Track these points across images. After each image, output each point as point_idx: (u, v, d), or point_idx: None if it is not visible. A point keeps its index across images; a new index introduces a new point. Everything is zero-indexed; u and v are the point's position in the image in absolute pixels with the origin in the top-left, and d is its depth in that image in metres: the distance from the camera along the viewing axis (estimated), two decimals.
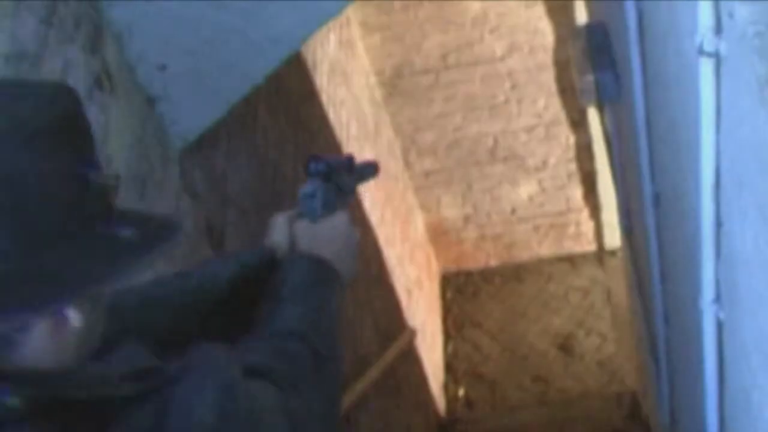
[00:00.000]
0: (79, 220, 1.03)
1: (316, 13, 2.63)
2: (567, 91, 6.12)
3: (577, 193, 6.68)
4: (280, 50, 2.64)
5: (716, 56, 1.18)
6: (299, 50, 3.77)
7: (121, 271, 1.05)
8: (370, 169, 1.74)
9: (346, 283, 1.54)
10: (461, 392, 5.89)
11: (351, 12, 5.75)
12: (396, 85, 6.30)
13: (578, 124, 6.36)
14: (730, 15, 1.07)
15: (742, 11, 1.02)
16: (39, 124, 1.01)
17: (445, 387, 6.12)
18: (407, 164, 6.64)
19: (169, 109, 2.74)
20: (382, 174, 1.45)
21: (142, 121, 2.67)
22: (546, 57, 6.18)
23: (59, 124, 1.03)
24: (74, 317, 1.03)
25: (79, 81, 2.32)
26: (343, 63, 5.22)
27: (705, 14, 1.16)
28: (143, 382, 1.08)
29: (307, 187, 1.59)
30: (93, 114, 2.37)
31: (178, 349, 1.17)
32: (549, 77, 6.23)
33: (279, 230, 1.58)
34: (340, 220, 1.60)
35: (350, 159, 1.68)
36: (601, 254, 6.60)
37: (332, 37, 4.98)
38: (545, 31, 6.08)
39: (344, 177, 1.65)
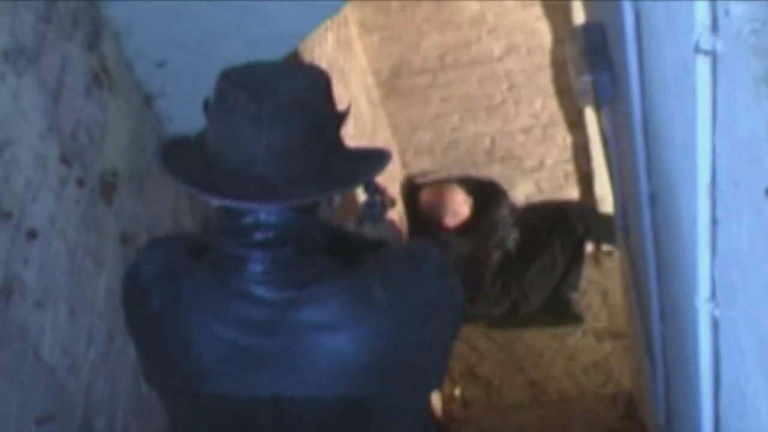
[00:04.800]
0: (340, 141, 1.64)
1: (315, 11, 2.63)
2: (564, 92, 6.12)
3: (574, 193, 6.68)
4: (279, 48, 2.64)
5: (712, 54, 1.19)
6: (297, 49, 3.77)
7: (371, 173, 1.66)
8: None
9: None
10: (457, 392, 5.89)
11: (349, 12, 5.75)
12: (393, 85, 6.30)
13: (575, 124, 6.36)
14: (726, 13, 1.07)
15: (738, 9, 1.03)
16: (324, 85, 1.60)
17: (441, 387, 6.13)
18: (404, 164, 6.64)
19: (167, 106, 2.75)
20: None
21: (140, 118, 2.67)
22: (543, 58, 6.18)
23: (329, 86, 1.62)
24: (337, 199, 1.67)
25: (77, 78, 2.32)
26: (341, 62, 5.22)
27: (701, 12, 1.16)
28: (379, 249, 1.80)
29: (368, 200, 2.22)
30: (91, 111, 2.37)
31: None
32: (546, 78, 6.23)
33: None
34: (390, 222, 2.32)
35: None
36: (598, 254, 6.60)
37: (330, 37, 4.98)
38: (543, 32, 6.08)
39: (381, 193, 2.26)
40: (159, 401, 1.83)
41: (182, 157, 1.60)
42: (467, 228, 6.19)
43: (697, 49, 1.20)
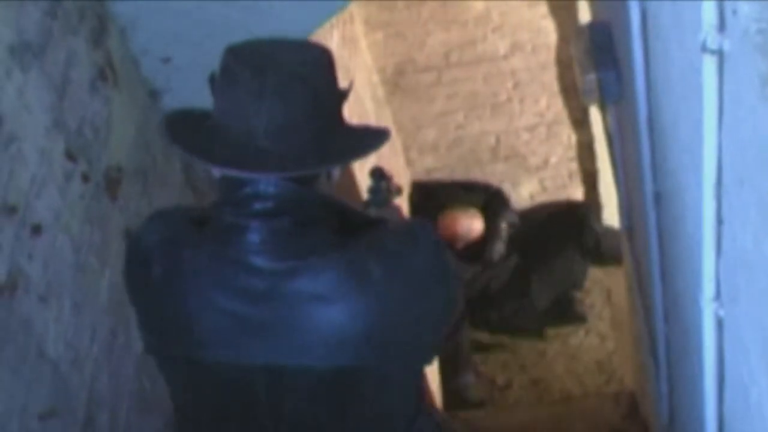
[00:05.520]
0: (341, 118, 1.70)
1: (320, 9, 2.63)
2: (569, 91, 6.12)
3: (578, 192, 6.68)
4: None
5: (719, 53, 1.19)
6: None
7: (369, 149, 1.70)
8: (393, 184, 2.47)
9: None
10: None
11: (354, 9, 5.75)
12: (398, 82, 6.30)
13: (580, 123, 6.36)
14: (734, 12, 1.07)
15: (746, 8, 1.03)
16: (327, 62, 1.68)
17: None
18: (409, 162, 6.64)
19: (173, 102, 2.75)
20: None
21: (145, 114, 2.67)
22: (549, 56, 6.18)
23: (332, 63, 1.69)
24: (336, 173, 1.73)
25: (82, 73, 2.32)
26: (346, 60, 5.22)
27: (708, 12, 1.16)
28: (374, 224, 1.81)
29: (374, 185, 2.30)
30: (96, 107, 2.37)
31: None
32: (551, 76, 6.23)
33: None
34: (395, 206, 2.49)
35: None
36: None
37: (335, 34, 4.98)
38: (548, 30, 6.08)
39: (387, 180, 2.34)
40: (159, 371, 1.85)
41: (186, 128, 1.65)
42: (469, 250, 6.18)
43: (704, 49, 1.20)
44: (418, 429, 1.88)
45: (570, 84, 5.99)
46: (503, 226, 6.22)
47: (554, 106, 6.37)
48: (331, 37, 4.84)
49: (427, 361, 1.82)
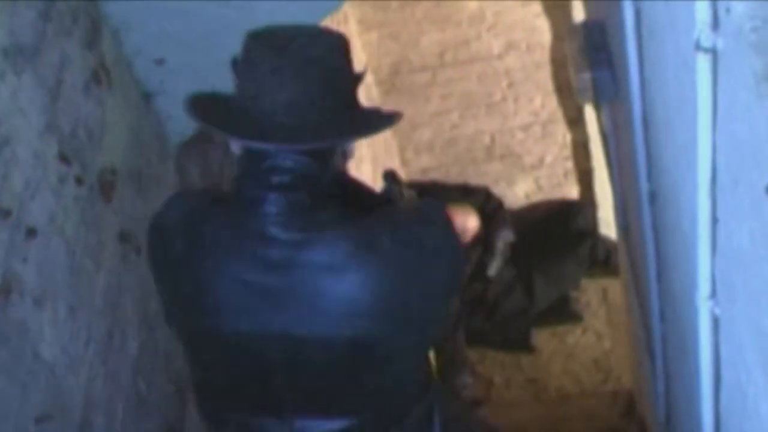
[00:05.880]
0: (356, 100, 1.83)
1: (314, 9, 2.63)
2: (564, 89, 6.12)
3: (573, 191, 6.68)
4: None
5: (713, 52, 1.18)
6: None
7: (380, 127, 1.84)
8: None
9: None
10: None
11: (348, 9, 5.74)
12: (393, 82, 6.30)
13: (575, 122, 6.36)
14: (727, 11, 1.07)
15: (739, 7, 1.03)
16: (343, 46, 1.78)
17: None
18: (404, 161, 6.64)
19: (166, 104, 2.74)
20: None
21: (139, 116, 2.67)
22: (543, 55, 6.18)
23: (348, 48, 1.79)
24: (350, 151, 1.83)
25: (76, 75, 2.32)
26: None
27: (702, 10, 1.16)
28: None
29: (387, 187, 2.32)
30: (90, 109, 2.37)
31: None
32: (546, 75, 6.23)
33: None
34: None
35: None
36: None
37: None
38: (542, 29, 6.08)
39: (399, 184, 2.40)
40: (178, 343, 1.94)
41: (209, 107, 1.76)
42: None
43: (698, 47, 1.20)
44: (429, 400, 2.00)
45: (565, 83, 5.99)
46: (500, 245, 6.21)
47: (549, 105, 6.37)
48: None
49: (435, 333, 1.91)
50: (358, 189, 1.91)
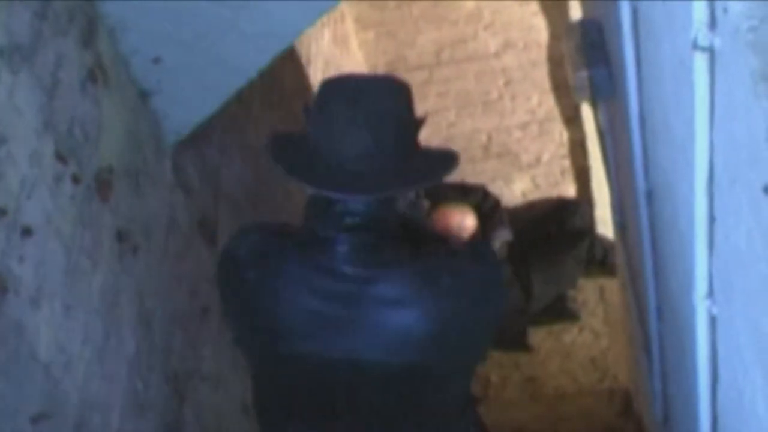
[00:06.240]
0: (417, 144, 1.93)
1: (311, 8, 2.62)
2: (561, 88, 6.12)
3: (570, 189, 6.68)
4: (275, 45, 2.63)
5: (710, 51, 1.18)
6: (293, 45, 3.76)
7: (442, 174, 1.93)
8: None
9: None
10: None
11: (345, 8, 5.74)
12: None
13: (572, 120, 6.36)
14: (725, 10, 1.07)
15: (736, 6, 1.03)
16: (407, 95, 1.92)
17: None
18: None
19: (163, 103, 2.74)
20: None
21: (135, 115, 2.66)
22: (540, 53, 6.18)
23: (411, 96, 1.94)
24: (411, 194, 2.01)
25: (72, 74, 2.31)
26: (338, 58, 5.21)
27: (699, 9, 1.16)
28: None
29: (414, 201, 2.37)
30: (86, 108, 2.36)
31: None
32: (543, 74, 6.23)
33: None
34: (430, 219, 2.95)
35: None
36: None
37: (326, 33, 4.97)
38: (539, 28, 6.08)
39: (420, 198, 2.50)
40: (244, 359, 2.19)
41: (286, 151, 1.95)
42: None
43: (695, 46, 1.20)
44: (467, 418, 2.20)
45: (561, 81, 5.99)
46: (497, 244, 6.20)
47: (546, 103, 6.37)
48: (322, 35, 4.84)
49: (481, 360, 2.15)
50: (417, 227, 2.11)
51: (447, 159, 1.98)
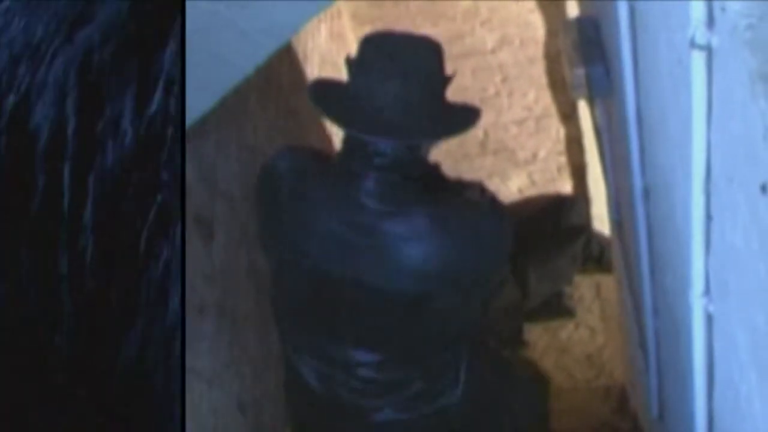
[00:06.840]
0: (445, 97, 2.23)
1: (308, 4, 2.62)
2: (558, 85, 6.12)
3: (567, 186, 6.68)
4: (272, 41, 2.63)
5: (708, 49, 1.18)
6: (290, 42, 3.76)
7: (465, 126, 2.26)
8: None
9: None
10: None
11: (342, 4, 5.73)
12: None
13: (569, 117, 6.35)
14: (722, 8, 1.07)
15: (735, 5, 1.03)
16: (438, 52, 2.21)
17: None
18: None
19: None
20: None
21: None
22: (537, 50, 6.17)
23: (442, 53, 2.21)
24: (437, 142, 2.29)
25: None
26: (334, 55, 5.21)
27: (697, 8, 1.16)
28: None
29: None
30: None
31: None
32: (540, 70, 6.23)
33: None
34: None
35: None
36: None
37: (323, 29, 4.96)
38: (536, 24, 6.08)
39: None
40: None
41: (327, 96, 2.23)
42: None
43: (693, 44, 1.20)
44: (458, 351, 2.39)
45: (558, 78, 5.99)
46: None
47: (543, 100, 6.37)
48: (318, 32, 4.83)
49: (483, 301, 2.39)
50: (438, 173, 2.36)
51: (470, 114, 2.25)
